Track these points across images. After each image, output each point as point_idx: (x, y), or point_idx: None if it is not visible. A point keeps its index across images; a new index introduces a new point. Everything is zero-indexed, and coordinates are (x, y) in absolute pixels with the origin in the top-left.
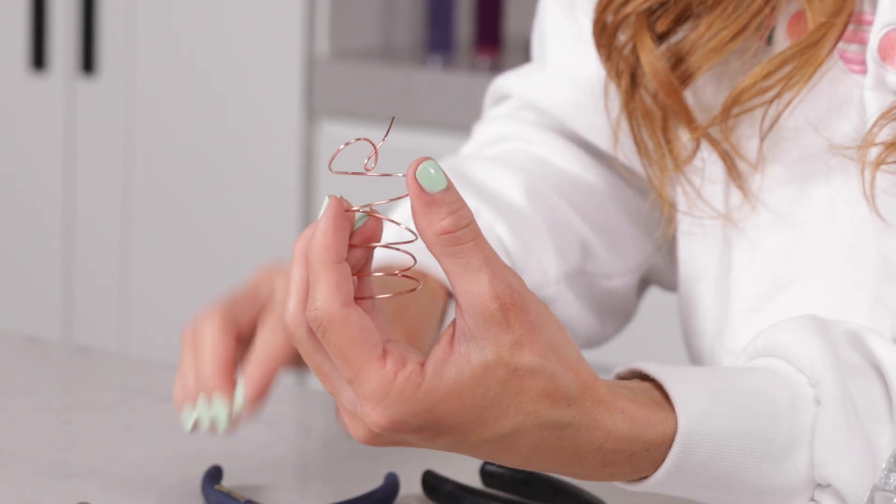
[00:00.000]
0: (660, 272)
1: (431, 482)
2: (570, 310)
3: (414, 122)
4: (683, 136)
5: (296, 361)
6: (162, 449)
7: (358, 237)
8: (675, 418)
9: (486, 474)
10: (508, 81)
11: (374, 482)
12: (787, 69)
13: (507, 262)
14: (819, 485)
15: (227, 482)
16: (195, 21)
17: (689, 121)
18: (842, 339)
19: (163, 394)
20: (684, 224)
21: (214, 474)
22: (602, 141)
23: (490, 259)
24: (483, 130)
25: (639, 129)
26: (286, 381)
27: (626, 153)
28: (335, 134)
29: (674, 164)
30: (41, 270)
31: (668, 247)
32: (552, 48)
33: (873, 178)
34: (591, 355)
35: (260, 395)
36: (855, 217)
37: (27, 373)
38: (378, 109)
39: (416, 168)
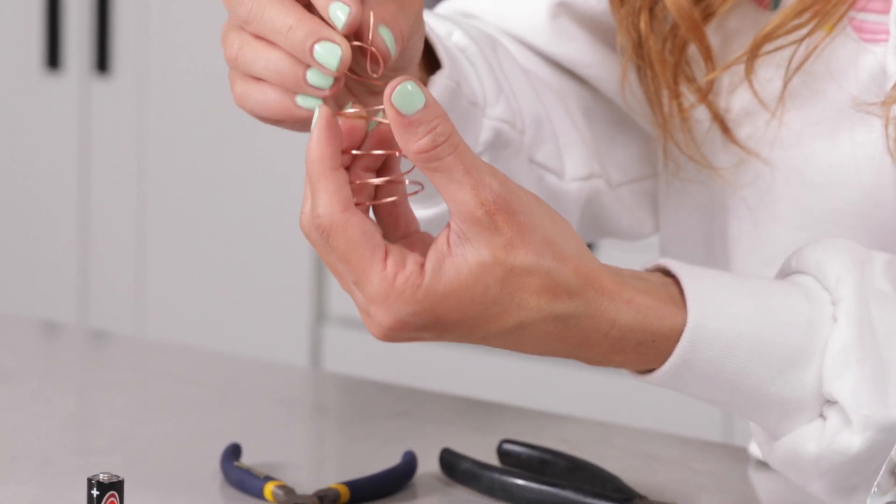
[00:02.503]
0: (604, 203)
1: (449, 460)
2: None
3: None
4: (686, 87)
5: None
6: (180, 428)
7: (373, 140)
8: (686, 314)
9: (503, 453)
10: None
11: (391, 461)
12: (818, 7)
13: (476, 82)
14: (828, 401)
15: (245, 460)
16: (208, 21)
17: (708, 58)
18: (878, 267)
19: (180, 375)
20: (673, 185)
21: (234, 451)
22: (560, 54)
23: (471, 168)
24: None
25: (647, 76)
26: (302, 363)
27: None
28: None
29: (679, 110)
30: (57, 261)
31: (628, 192)
32: None
33: None
34: None
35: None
36: (864, 182)
37: (44, 356)
38: None
39: (393, 90)
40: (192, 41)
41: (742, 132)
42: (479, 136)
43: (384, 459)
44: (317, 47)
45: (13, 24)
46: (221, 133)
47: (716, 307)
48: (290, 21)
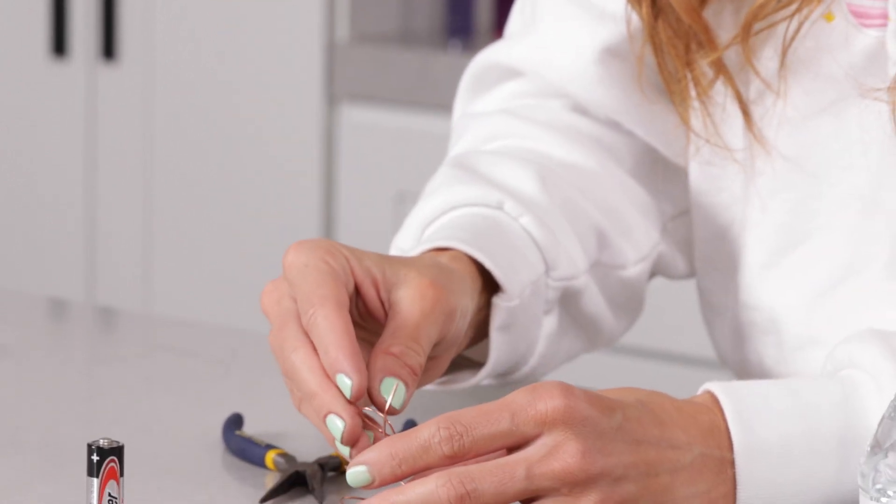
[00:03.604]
0: (666, 260)
1: None
2: (597, 302)
3: (433, 106)
4: (703, 63)
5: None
6: (183, 399)
7: None
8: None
9: None
10: (505, 53)
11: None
12: None
13: (536, 255)
14: None
15: (247, 430)
16: (215, 7)
17: (709, 41)
18: None
19: (184, 349)
20: (702, 179)
21: (235, 421)
22: (610, 106)
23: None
24: (472, 130)
25: (662, 58)
26: None
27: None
28: (355, 118)
29: (696, 91)
30: (64, 243)
31: (674, 227)
32: (549, 15)
33: None
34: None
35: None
36: (871, 167)
37: (50, 331)
38: (398, 94)
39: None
40: (198, 28)
41: (756, 112)
42: (547, 298)
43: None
44: (327, 420)
45: (19, 10)
46: (227, 119)
47: (756, 417)
48: (313, 388)
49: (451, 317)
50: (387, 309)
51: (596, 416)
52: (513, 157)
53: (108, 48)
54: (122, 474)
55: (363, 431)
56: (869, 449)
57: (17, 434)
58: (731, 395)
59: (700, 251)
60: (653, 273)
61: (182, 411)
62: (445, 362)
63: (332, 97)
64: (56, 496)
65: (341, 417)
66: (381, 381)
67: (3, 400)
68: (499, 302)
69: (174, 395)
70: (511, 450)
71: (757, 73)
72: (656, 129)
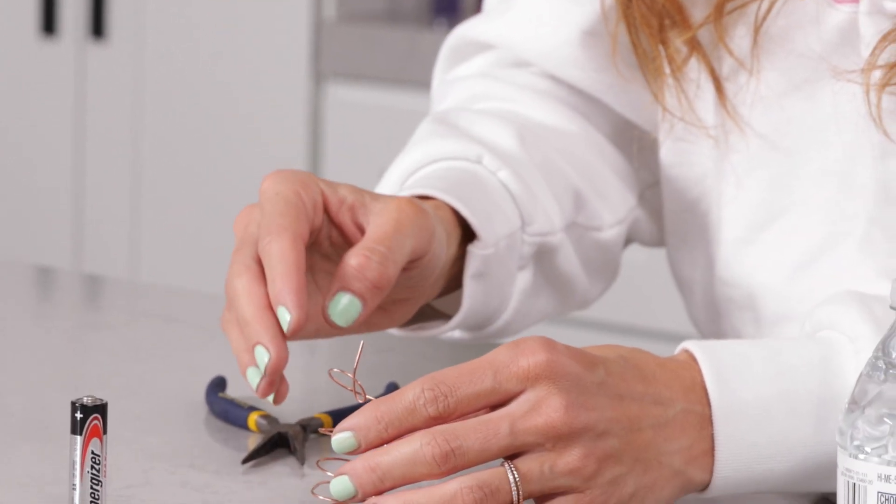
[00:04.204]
0: (641, 226)
1: None
2: (571, 262)
3: (420, 84)
4: (678, 41)
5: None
6: (168, 363)
7: None
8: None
9: None
10: (482, 29)
11: (375, 392)
12: None
13: (513, 209)
14: None
15: (230, 392)
16: None
17: (682, 19)
18: (880, 303)
19: (169, 315)
20: (673, 154)
21: (218, 384)
22: (586, 84)
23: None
24: (453, 94)
25: (636, 36)
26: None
27: (621, 68)
28: (342, 96)
29: (670, 68)
30: (53, 218)
31: (652, 195)
32: None
33: (879, 99)
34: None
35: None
36: (846, 143)
37: (37, 298)
38: (385, 72)
39: None
40: (186, 7)
41: (730, 90)
42: (522, 253)
43: (368, 391)
44: (255, 350)
45: None
46: (214, 96)
47: (734, 376)
48: (247, 316)
49: (429, 234)
50: (363, 232)
51: (579, 370)
52: (493, 116)
53: (98, 27)
54: (105, 432)
55: (282, 375)
56: (847, 406)
57: (3, 397)
58: (709, 354)
59: (669, 225)
60: (629, 239)
61: (166, 375)
62: (414, 306)
63: (319, 75)
64: (41, 455)
65: (268, 350)
66: (333, 295)
67: None
68: (474, 249)
69: (159, 360)
70: (495, 406)
71: (730, 52)
72: (632, 105)
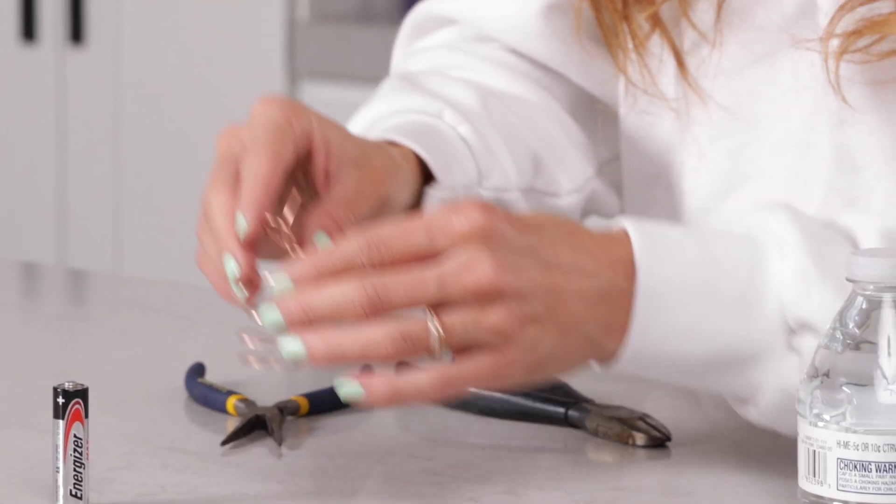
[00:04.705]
0: (600, 197)
1: None
2: None
3: None
4: (640, 17)
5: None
6: (148, 351)
7: None
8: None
9: None
10: (445, 4)
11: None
12: None
13: (471, 163)
14: (793, 331)
15: (209, 378)
16: None
17: None
18: (812, 220)
19: (149, 305)
20: (637, 127)
21: (197, 370)
22: (548, 58)
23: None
24: (417, 61)
25: (600, 12)
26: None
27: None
28: (317, 95)
29: (633, 43)
30: (37, 218)
31: (611, 170)
32: None
33: (837, 67)
34: None
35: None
36: (805, 112)
37: (21, 291)
38: (358, 71)
39: None
40: (165, 11)
41: (692, 63)
42: None
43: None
44: (224, 258)
45: None
46: (192, 98)
47: (663, 255)
48: (219, 227)
49: (384, 204)
50: (329, 180)
51: (512, 234)
52: (456, 79)
53: (77, 32)
54: (87, 416)
55: (259, 277)
56: (805, 376)
57: None
58: (643, 232)
59: (629, 198)
60: (588, 211)
61: (147, 362)
62: None
63: (294, 74)
64: (25, 440)
65: (235, 257)
66: (315, 232)
67: None
68: (432, 192)
69: (140, 348)
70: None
71: (693, 26)
72: (594, 79)
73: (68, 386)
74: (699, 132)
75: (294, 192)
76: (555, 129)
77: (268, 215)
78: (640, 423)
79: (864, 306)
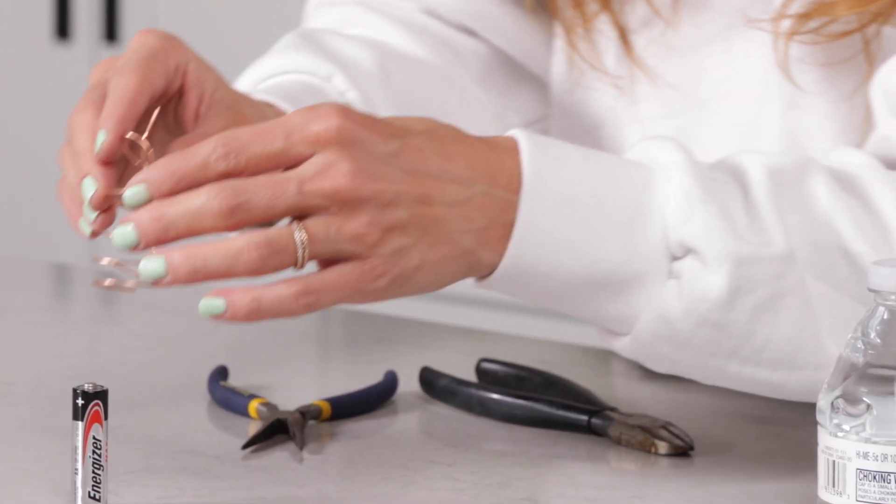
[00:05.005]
0: None
1: (428, 378)
2: None
3: None
4: None
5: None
6: (172, 354)
7: None
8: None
9: (481, 371)
10: None
11: (373, 380)
12: None
13: None
14: (675, 257)
15: (232, 382)
16: None
17: None
18: (706, 163)
19: (177, 308)
20: (574, 101)
21: (220, 373)
22: (463, 17)
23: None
24: (325, 16)
25: None
26: None
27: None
28: None
29: (582, 20)
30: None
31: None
32: None
33: (786, 48)
34: None
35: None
36: (755, 93)
37: (51, 293)
38: None
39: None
40: (199, 10)
41: (640, 43)
42: None
43: (366, 379)
44: (83, 181)
45: None
46: None
47: (552, 166)
48: (81, 147)
49: None
50: (199, 120)
51: (372, 139)
52: (358, 40)
53: (111, 31)
54: (106, 418)
55: (111, 205)
56: (826, 385)
57: (10, 387)
58: (533, 142)
59: None
60: None
61: (170, 365)
62: None
63: None
64: (45, 442)
65: (95, 180)
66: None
67: None
68: None
69: (163, 350)
70: (287, 169)
71: (650, 3)
72: (523, 43)
73: (88, 387)
74: (643, 110)
75: (157, 112)
76: (456, 101)
77: (131, 134)
78: (663, 432)
79: (885, 316)
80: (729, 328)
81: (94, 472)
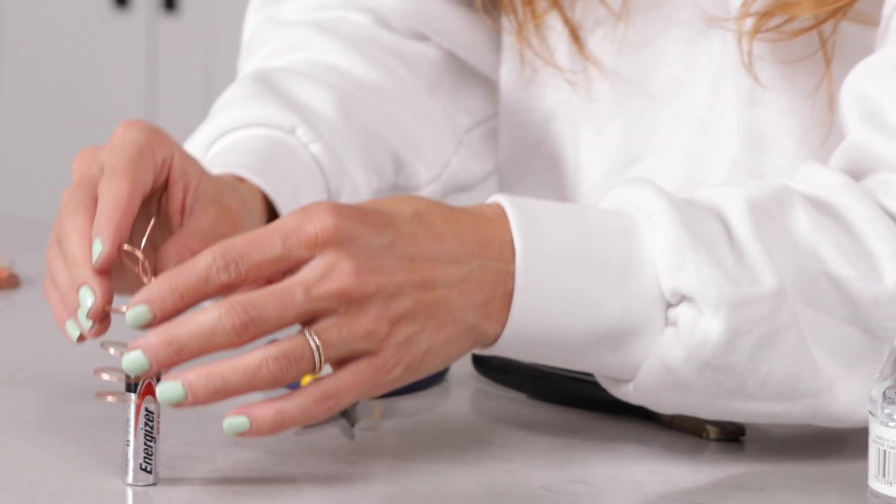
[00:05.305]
0: (459, 175)
1: (481, 357)
2: None
3: None
4: None
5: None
6: None
7: None
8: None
9: None
10: None
11: None
12: None
13: (322, 182)
14: (670, 304)
15: None
16: None
17: None
18: (678, 197)
19: None
20: (524, 98)
21: None
22: (411, 22)
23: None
24: (274, 40)
25: None
26: None
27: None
28: None
29: (532, 17)
30: None
31: (472, 138)
32: None
33: (750, 46)
34: None
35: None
36: (709, 90)
37: None
38: None
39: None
40: None
41: (593, 39)
42: None
43: None
44: (80, 290)
45: None
46: None
47: (541, 230)
48: (76, 255)
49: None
50: (185, 214)
51: (367, 234)
52: (314, 79)
53: (170, 0)
54: None
55: (108, 314)
56: (878, 375)
57: (64, 359)
58: (518, 207)
59: (504, 165)
60: (449, 191)
61: None
62: None
63: None
64: (98, 414)
65: (94, 291)
66: (174, 265)
67: (52, 327)
68: None
69: None
70: (286, 273)
71: (603, 2)
72: (465, 38)
73: None
74: (596, 108)
75: (152, 218)
76: (412, 118)
77: (127, 247)
78: None
79: None
80: (730, 369)
81: (146, 444)
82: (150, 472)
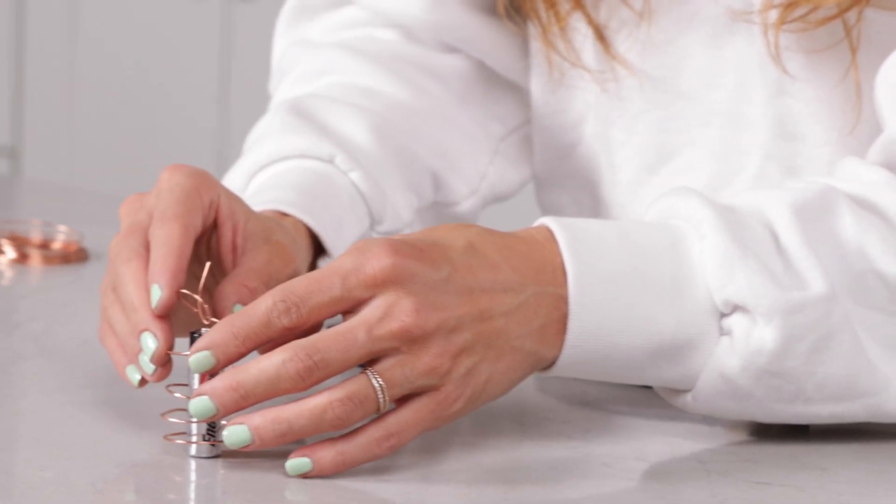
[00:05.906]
0: (497, 186)
1: None
2: None
3: None
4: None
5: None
6: None
7: None
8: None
9: None
10: None
11: None
12: None
13: (363, 209)
14: (724, 314)
15: None
16: None
17: None
18: (721, 203)
19: None
20: (555, 101)
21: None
22: (438, 33)
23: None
24: (303, 63)
25: None
26: None
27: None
28: None
29: (556, 20)
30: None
31: (507, 146)
32: None
33: (776, 38)
34: None
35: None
36: (736, 83)
37: None
38: None
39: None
40: None
41: (618, 39)
42: None
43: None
44: (141, 336)
45: None
46: None
47: (590, 252)
48: (134, 301)
49: (293, 267)
50: (238, 254)
51: (424, 270)
52: (347, 104)
53: None
54: None
55: (170, 358)
56: None
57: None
58: (566, 229)
59: (540, 171)
60: (487, 202)
61: None
62: None
63: None
64: (161, 384)
65: (156, 336)
66: (233, 304)
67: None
68: (322, 264)
69: None
70: (347, 314)
71: (625, 1)
72: (492, 46)
73: (204, 332)
74: (627, 106)
75: (206, 261)
76: (445, 135)
77: (184, 292)
78: None
79: None
80: (788, 375)
81: None
82: (214, 445)
